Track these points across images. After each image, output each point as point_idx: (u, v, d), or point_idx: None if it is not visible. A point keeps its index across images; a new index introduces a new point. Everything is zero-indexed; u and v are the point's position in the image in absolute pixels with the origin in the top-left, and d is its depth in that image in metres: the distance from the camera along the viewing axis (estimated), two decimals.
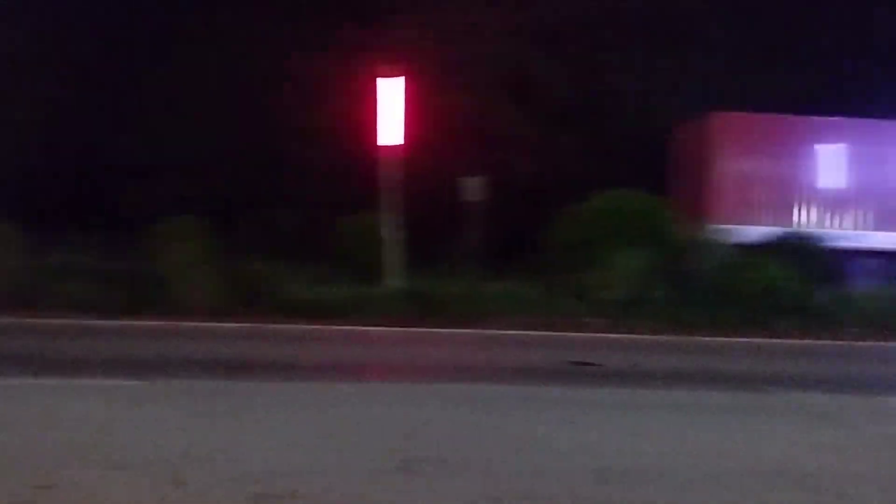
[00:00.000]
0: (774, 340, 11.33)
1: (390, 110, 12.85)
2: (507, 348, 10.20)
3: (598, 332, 11.45)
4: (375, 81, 12.98)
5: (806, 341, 11.40)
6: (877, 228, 15.70)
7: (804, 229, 15.39)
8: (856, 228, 15.77)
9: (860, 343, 11.38)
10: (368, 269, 13.07)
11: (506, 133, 17.27)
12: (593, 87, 17.95)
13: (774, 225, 15.42)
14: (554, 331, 11.33)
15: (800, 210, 15.84)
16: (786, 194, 15.87)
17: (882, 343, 11.44)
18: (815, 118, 15.96)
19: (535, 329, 11.39)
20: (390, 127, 12.88)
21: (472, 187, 14.98)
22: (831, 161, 15.95)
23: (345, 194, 15.32)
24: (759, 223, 15.42)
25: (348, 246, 14.11)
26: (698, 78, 17.99)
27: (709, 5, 18.11)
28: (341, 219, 14.68)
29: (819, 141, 16.01)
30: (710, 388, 7.51)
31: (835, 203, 15.86)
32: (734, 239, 14.42)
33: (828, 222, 15.76)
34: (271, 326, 11.07)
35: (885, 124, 15.59)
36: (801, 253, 14.13)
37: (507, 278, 13.18)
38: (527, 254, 14.51)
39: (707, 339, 11.24)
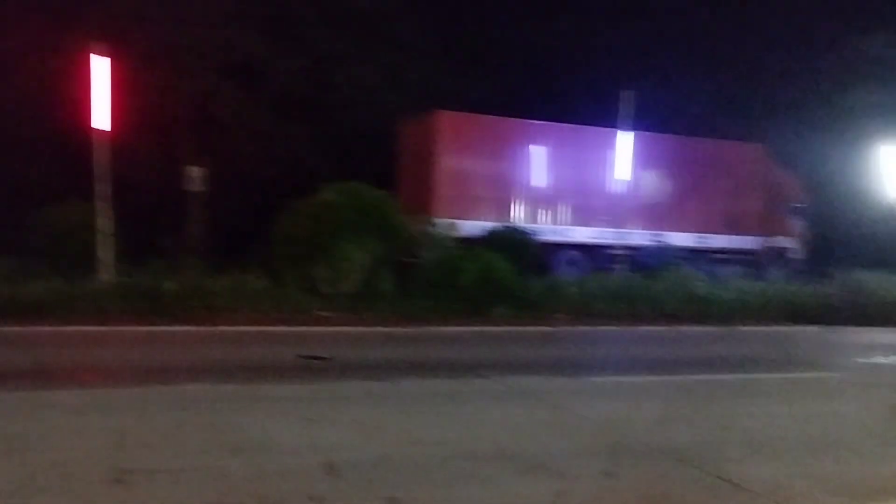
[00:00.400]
0: (492, 328, 12.06)
1: (99, 93, 11.85)
2: (234, 345, 9.85)
3: (328, 326, 11.45)
4: (85, 62, 11.90)
5: (519, 328, 12.25)
6: (577, 224, 17.37)
7: (517, 224, 16.63)
8: (560, 224, 17.33)
9: (566, 328, 12.45)
10: (79, 263, 11.99)
11: (232, 121, 16.72)
12: (324, 78, 17.95)
13: (491, 220, 16.50)
14: (283, 326, 11.15)
15: (513, 206, 17.06)
16: (501, 191, 17.02)
17: (584, 328, 12.62)
18: (528, 121, 17.27)
19: (264, 324, 11.13)
20: (99, 110, 11.89)
21: (195, 177, 14.32)
22: (540, 161, 17.36)
23: (52, 181, 13.96)
24: (477, 218, 16.39)
25: (55, 238, 12.88)
26: (424, 76, 18.72)
27: (435, 10, 18.88)
28: (47, 208, 13.35)
29: (530, 142, 17.33)
30: (435, 376, 7.83)
31: (543, 200, 17.28)
32: (455, 232, 15.19)
33: (537, 218, 17.15)
34: None
35: (586, 130, 17.23)
36: (515, 246, 15.25)
37: (234, 272, 12.74)
38: (254, 246, 14.15)
39: (432, 328, 11.69)
